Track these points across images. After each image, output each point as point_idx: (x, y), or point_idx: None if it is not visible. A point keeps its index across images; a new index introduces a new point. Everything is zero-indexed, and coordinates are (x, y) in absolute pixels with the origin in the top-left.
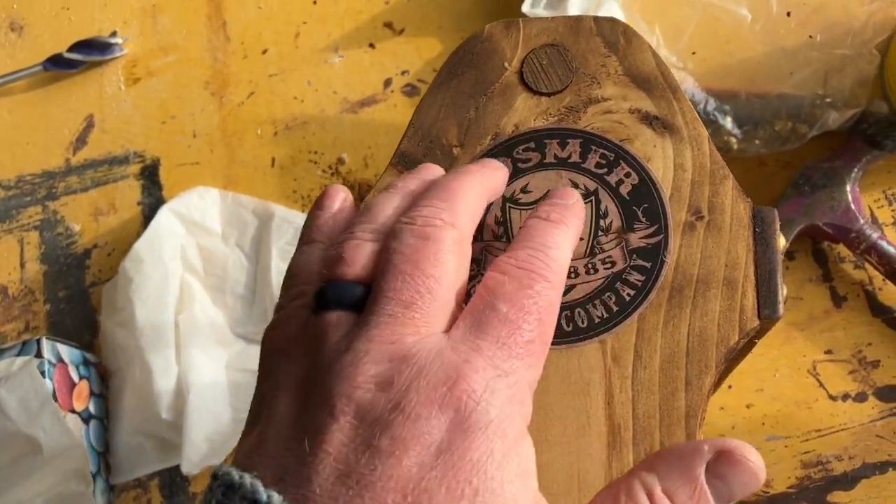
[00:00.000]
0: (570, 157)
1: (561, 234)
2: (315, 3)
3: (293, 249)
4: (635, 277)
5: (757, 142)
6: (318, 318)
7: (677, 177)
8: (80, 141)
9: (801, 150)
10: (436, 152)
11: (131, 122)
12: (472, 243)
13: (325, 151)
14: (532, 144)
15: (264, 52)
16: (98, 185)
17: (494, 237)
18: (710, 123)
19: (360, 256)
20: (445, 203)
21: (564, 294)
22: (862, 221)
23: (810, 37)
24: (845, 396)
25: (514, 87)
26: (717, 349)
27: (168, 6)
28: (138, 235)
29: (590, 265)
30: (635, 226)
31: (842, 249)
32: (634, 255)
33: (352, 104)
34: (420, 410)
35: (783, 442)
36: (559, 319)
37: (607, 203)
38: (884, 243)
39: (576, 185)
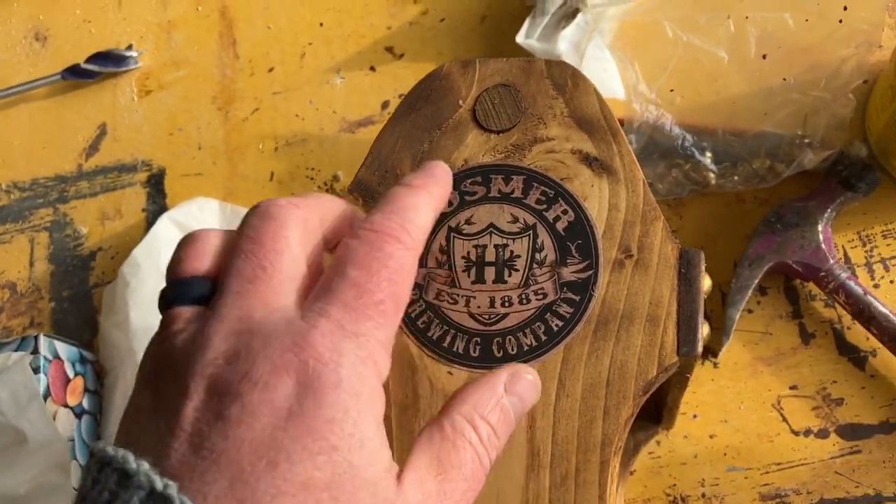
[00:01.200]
0: (513, 192)
1: (420, 198)
2: (321, 25)
3: None
4: (564, 309)
5: (735, 178)
6: (165, 316)
7: (611, 216)
8: (93, 148)
9: (778, 188)
10: (389, 181)
11: (141, 132)
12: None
13: (322, 168)
14: (479, 178)
15: (270, 70)
16: (106, 191)
17: (438, 265)
18: (689, 159)
19: (199, 252)
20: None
21: (498, 322)
22: (832, 261)
23: (786, 79)
24: (807, 432)
25: (466, 124)
26: (635, 382)
27: (183, 23)
28: (140, 241)
29: (523, 295)
30: (568, 260)
31: (813, 287)
32: (565, 288)
33: (350, 124)
34: (268, 378)
35: (743, 473)
36: (490, 346)
37: (544, 238)
38: (851, 283)
39: (516, 219)
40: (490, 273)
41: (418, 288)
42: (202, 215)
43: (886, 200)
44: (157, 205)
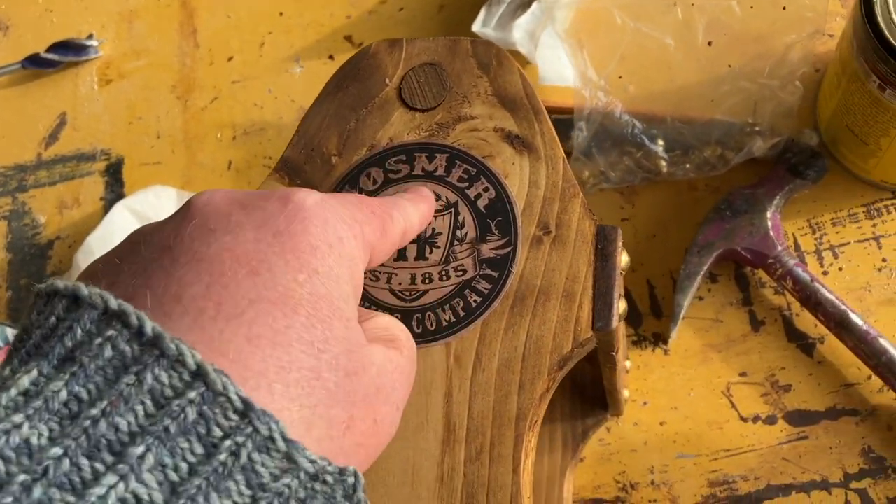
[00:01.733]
0: (436, 170)
1: (412, 206)
2: (281, 14)
3: None
4: (483, 286)
5: (686, 166)
6: None
7: (531, 193)
8: (52, 137)
9: (730, 175)
10: (316, 160)
11: (101, 121)
12: None
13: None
14: (403, 157)
15: (230, 59)
16: (65, 180)
17: None
18: (641, 147)
19: None
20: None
21: (419, 298)
22: (780, 248)
23: (733, 66)
24: (756, 418)
25: (392, 103)
26: (550, 356)
27: (144, 12)
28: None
29: (443, 272)
30: (488, 237)
31: (763, 275)
32: (484, 265)
33: None
34: (259, 202)
35: (692, 460)
36: (410, 322)
37: (465, 215)
38: (799, 270)
39: (438, 197)
40: (412, 250)
41: None
42: (159, 203)
43: (835, 188)
44: (115, 193)
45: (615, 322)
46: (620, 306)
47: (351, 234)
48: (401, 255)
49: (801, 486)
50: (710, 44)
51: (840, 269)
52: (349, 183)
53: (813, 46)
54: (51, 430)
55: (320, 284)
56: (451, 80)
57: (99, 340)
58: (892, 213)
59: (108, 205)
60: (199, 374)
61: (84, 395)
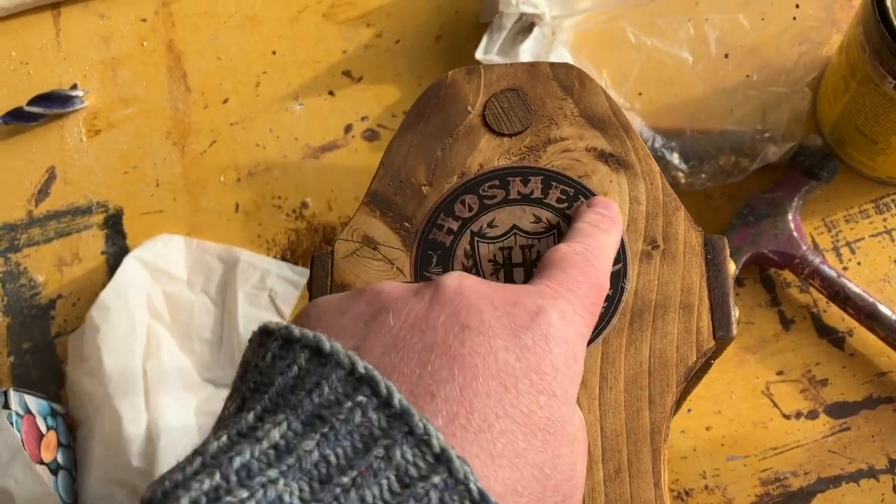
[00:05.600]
0: (532, 192)
1: (608, 238)
2: (274, 53)
3: (259, 293)
4: None
5: (703, 176)
6: None
7: (632, 209)
8: (42, 192)
9: (744, 182)
10: (406, 191)
11: (93, 172)
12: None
13: (289, 196)
14: (497, 182)
15: (225, 101)
16: (61, 236)
17: (464, 269)
18: (659, 160)
19: None
20: None
21: None
22: (804, 248)
23: (747, 76)
24: (798, 415)
25: (477, 129)
26: (676, 369)
27: (128, 59)
28: (103, 285)
29: None
30: None
31: (787, 275)
32: None
33: (314, 150)
34: (509, 309)
35: (742, 461)
36: None
37: None
38: (825, 267)
39: (539, 219)
40: (519, 274)
41: None
42: (168, 252)
43: (844, 186)
44: (118, 246)
45: (734, 329)
46: (735, 313)
47: (585, 332)
48: (508, 280)
49: (849, 477)
50: (726, 56)
51: (858, 263)
52: (444, 211)
53: (819, 54)
54: (301, 490)
55: (557, 408)
56: (535, 103)
57: (349, 404)
58: None
59: (111, 258)
60: (443, 460)
61: (333, 459)
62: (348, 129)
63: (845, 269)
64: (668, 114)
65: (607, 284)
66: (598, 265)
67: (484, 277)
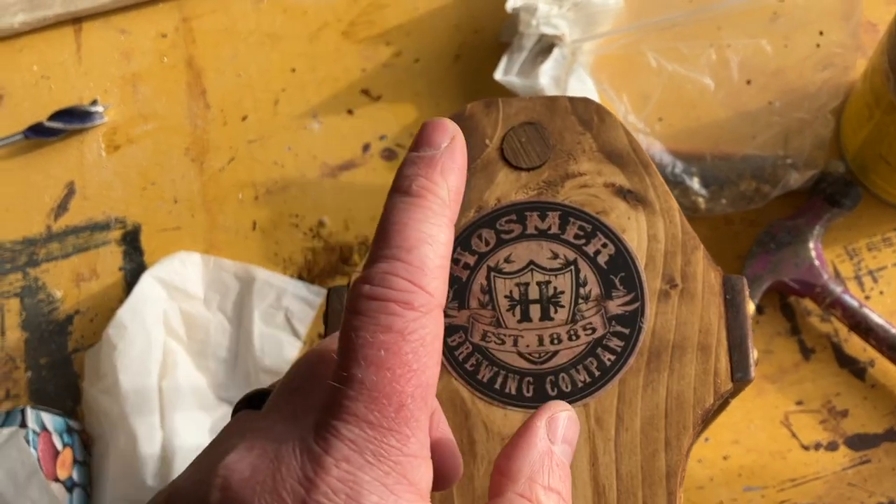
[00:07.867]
0: (549, 228)
1: (428, 217)
2: (293, 70)
3: (275, 312)
4: (615, 343)
5: (723, 201)
6: None
7: (651, 247)
8: (62, 208)
9: (765, 209)
10: None
11: (112, 188)
12: (459, 311)
13: (306, 214)
14: (514, 216)
15: (244, 118)
16: (79, 252)
17: (480, 305)
18: (678, 185)
19: None
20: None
21: (549, 360)
22: (826, 277)
23: (770, 102)
24: (817, 446)
25: (495, 163)
26: (693, 411)
27: (148, 75)
28: (120, 301)
29: (572, 331)
30: (613, 294)
31: (808, 303)
32: (613, 322)
33: (331, 168)
34: None
35: (760, 492)
36: (544, 384)
37: (586, 272)
38: (847, 297)
39: (556, 255)
40: (535, 311)
41: (463, 330)
42: (185, 270)
43: (867, 214)
44: (135, 262)
45: (753, 371)
46: (754, 354)
47: (402, 496)
48: (524, 316)
49: None
50: (749, 82)
51: (881, 292)
52: (461, 245)
53: (843, 80)
54: None
55: None
56: (553, 138)
57: None
58: None
59: (129, 274)
60: None
61: None
62: (366, 147)
63: (867, 297)
64: (688, 138)
65: (432, 324)
66: (407, 309)
67: (500, 313)
